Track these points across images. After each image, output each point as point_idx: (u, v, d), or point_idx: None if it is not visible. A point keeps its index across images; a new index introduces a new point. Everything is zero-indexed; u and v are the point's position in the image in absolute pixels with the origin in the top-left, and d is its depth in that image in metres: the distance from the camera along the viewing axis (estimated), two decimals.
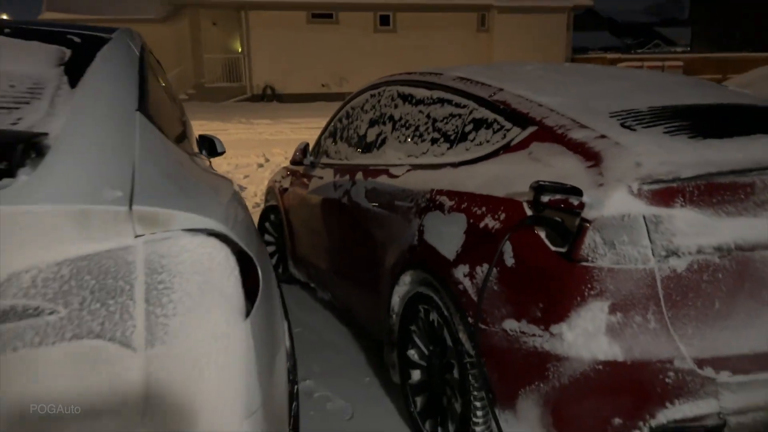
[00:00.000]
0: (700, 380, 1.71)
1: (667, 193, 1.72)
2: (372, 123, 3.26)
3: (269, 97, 21.19)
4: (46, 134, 1.09)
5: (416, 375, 2.52)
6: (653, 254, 1.71)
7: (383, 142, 3.08)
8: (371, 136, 3.22)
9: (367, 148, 3.24)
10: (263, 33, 20.98)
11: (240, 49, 21.64)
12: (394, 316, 2.63)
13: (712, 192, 1.72)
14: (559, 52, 23.58)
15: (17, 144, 1.02)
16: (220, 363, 1.08)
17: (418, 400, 2.51)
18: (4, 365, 0.93)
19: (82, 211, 0.98)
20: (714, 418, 1.73)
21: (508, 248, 1.92)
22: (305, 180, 3.87)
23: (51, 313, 0.94)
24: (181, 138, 1.99)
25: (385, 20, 22.38)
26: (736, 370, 1.71)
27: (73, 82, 1.32)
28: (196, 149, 2.74)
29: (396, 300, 2.59)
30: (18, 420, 0.94)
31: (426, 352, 2.43)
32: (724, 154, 1.79)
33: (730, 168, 1.71)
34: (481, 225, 2.05)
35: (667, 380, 1.71)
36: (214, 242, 1.12)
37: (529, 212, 1.89)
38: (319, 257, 3.65)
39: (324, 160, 3.77)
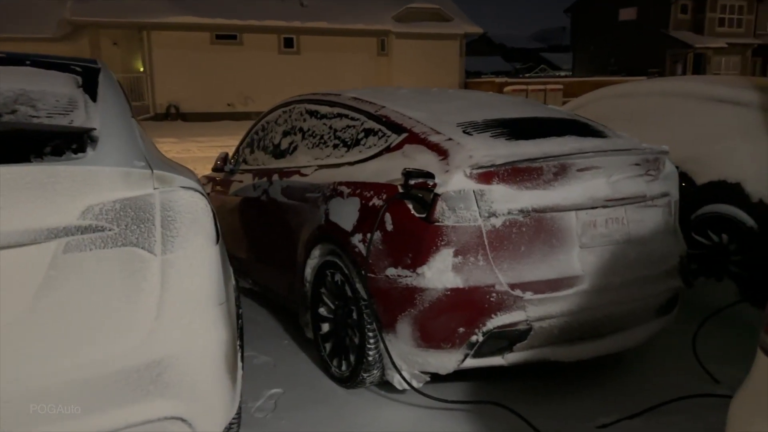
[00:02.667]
0: (513, 299, 2.59)
1: (487, 174, 2.59)
2: (285, 134, 4.02)
3: (173, 116, 21.30)
4: (94, 129, 1.78)
5: (326, 327, 3.27)
6: (480, 216, 2.58)
7: (295, 148, 3.84)
8: (285, 144, 3.97)
9: (281, 154, 3.99)
10: (166, 53, 21.10)
11: (142, 69, 21.61)
12: (307, 284, 3.37)
13: (516, 174, 2.62)
14: (453, 75, 25.25)
15: (83, 134, 1.72)
16: (203, 268, 1.81)
17: (327, 345, 3.26)
18: (82, 259, 1.61)
19: (126, 172, 1.69)
20: (524, 324, 2.62)
21: (387, 218, 2.73)
22: (226, 184, 4.55)
23: (110, 230, 1.64)
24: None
25: (289, 42, 23.10)
26: (536, 291, 2.61)
27: (93, 98, 2.01)
28: None
29: (309, 271, 3.34)
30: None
31: (333, 306, 3.20)
32: (525, 149, 2.70)
33: (527, 157, 2.61)
34: (370, 204, 2.86)
35: (491, 299, 2.58)
36: (198, 195, 1.84)
37: (401, 191, 2.72)
38: (241, 249, 4.33)
39: (243, 166, 4.48)
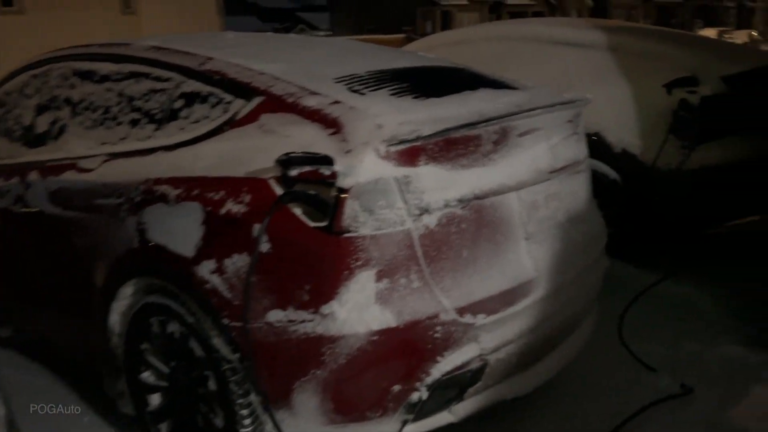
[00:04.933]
0: (462, 328, 1.78)
1: (412, 152, 1.71)
2: (41, 110, 2.64)
3: None
4: None
5: (156, 399, 2.15)
6: (409, 214, 1.70)
7: (62, 130, 2.52)
8: (43, 126, 2.61)
9: (38, 140, 2.62)
10: None
11: None
12: (115, 338, 2.19)
13: (449, 147, 1.77)
14: None
15: None
16: None
17: (163, 427, 2.14)
18: None
19: None
20: (476, 361, 1.83)
21: (261, 233, 1.71)
22: None
23: None
24: None
25: (7, 0, 19.04)
26: (489, 311, 1.83)
27: None
28: None
29: (116, 319, 2.16)
30: None
31: (167, 370, 2.08)
32: (451, 111, 1.86)
33: (464, 122, 1.78)
34: (222, 212, 1.80)
35: (436, 335, 1.74)
36: None
37: (278, 190, 1.71)
38: None
39: None
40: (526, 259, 1.96)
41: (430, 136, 1.72)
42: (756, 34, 32.36)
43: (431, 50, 4.64)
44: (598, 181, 3.80)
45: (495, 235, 1.90)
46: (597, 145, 3.78)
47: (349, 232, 1.65)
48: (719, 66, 3.56)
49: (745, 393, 2.37)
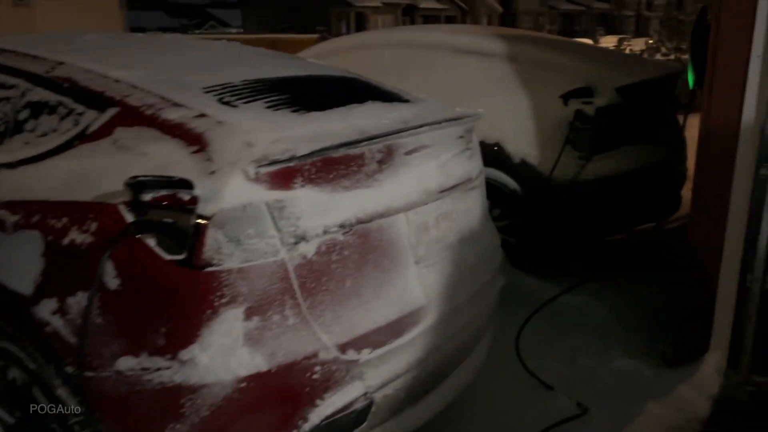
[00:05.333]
0: (345, 366, 1.62)
1: (286, 174, 1.54)
2: None
3: None
4: None
5: None
6: (282, 243, 1.53)
7: None
8: None
9: None
10: None
11: None
12: None
13: (329, 168, 1.61)
14: (114, 31, 22.10)
15: None
16: None
17: None
18: None
19: None
20: (361, 400, 1.68)
21: (109, 268, 1.48)
22: None
23: None
24: None
25: None
26: (375, 344, 1.68)
27: None
28: None
29: None
30: None
31: (11, 421, 1.80)
32: (332, 127, 1.70)
33: (342, 141, 1.62)
34: (65, 242, 1.55)
35: (314, 376, 1.57)
36: None
37: (129, 217, 1.49)
38: None
39: None
40: (415, 286, 1.83)
41: (306, 155, 1.55)
42: (652, 41, 34.37)
43: (332, 54, 4.49)
44: (499, 191, 3.80)
45: (382, 262, 1.75)
46: (498, 155, 3.75)
47: (211, 265, 1.45)
48: (614, 77, 3.60)
49: (639, 409, 2.36)
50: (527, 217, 3.71)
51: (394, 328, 1.74)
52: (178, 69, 1.96)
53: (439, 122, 1.91)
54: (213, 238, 1.45)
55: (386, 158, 1.75)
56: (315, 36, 23.94)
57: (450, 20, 40.90)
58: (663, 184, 3.89)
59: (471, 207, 2.19)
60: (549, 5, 47.78)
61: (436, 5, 40.55)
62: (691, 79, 3.39)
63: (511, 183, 3.75)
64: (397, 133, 1.75)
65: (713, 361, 2.54)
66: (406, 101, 2.15)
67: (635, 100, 3.60)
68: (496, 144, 3.75)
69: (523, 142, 3.68)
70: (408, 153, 1.81)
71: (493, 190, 3.79)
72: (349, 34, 4.93)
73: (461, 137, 2.09)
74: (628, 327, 3.00)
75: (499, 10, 44.26)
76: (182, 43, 2.47)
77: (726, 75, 2.33)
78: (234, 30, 38.86)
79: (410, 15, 39.17)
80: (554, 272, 3.53)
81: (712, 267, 2.46)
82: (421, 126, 1.82)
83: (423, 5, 39.64)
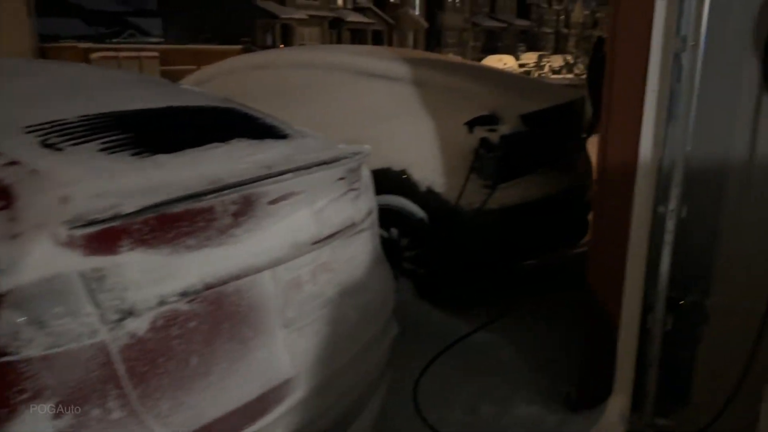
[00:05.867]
0: None
1: (108, 236, 1.28)
2: None
3: None
4: None
5: None
6: (102, 321, 1.26)
7: None
8: None
9: None
10: None
11: None
12: None
13: (168, 226, 1.36)
14: (21, 39, 20.63)
15: None
16: None
17: None
18: None
19: None
20: None
21: None
22: None
23: None
24: None
25: None
26: (230, 430, 1.44)
27: None
28: None
29: None
30: None
31: None
32: (176, 175, 1.45)
33: (184, 194, 1.38)
34: None
35: None
36: None
37: None
38: None
39: None
40: (282, 354, 1.60)
41: (134, 213, 1.30)
42: (570, 58, 35.78)
43: (231, 73, 4.22)
44: (406, 219, 3.63)
45: (239, 330, 1.51)
46: (405, 183, 3.59)
47: (6, 354, 1.17)
48: (519, 104, 3.51)
49: None
50: (435, 246, 3.56)
51: (255, 409, 1.50)
52: (1, 101, 1.66)
53: (309, 167, 1.69)
54: (8, 322, 1.17)
55: (244, 210, 1.51)
56: (239, 47, 23.41)
57: (377, 34, 41.18)
58: (570, 211, 3.83)
59: (356, 254, 1.98)
60: (473, 21, 48.97)
61: (363, 19, 40.72)
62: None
63: (419, 212, 3.60)
64: (256, 182, 1.52)
65: (617, 405, 2.43)
66: (283, 137, 1.93)
67: (540, 128, 3.53)
68: (404, 171, 3.59)
69: (429, 170, 3.54)
70: (272, 202, 1.59)
71: (401, 218, 3.63)
72: (252, 52, 4.67)
73: (341, 179, 1.88)
74: (534, 367, 2.88)
75: (425, 26, 44.94)
76: (17, 67, 2.14)
77: (622, 109, 2.23)
78: (154, 39, 37.59)
79: (337, 28, 39.12)
80: (462, 305, 3.39)
81: (613, 308, 2.36)
82: (286, 172, 1.60)
83: (349, 19, 39.71)
